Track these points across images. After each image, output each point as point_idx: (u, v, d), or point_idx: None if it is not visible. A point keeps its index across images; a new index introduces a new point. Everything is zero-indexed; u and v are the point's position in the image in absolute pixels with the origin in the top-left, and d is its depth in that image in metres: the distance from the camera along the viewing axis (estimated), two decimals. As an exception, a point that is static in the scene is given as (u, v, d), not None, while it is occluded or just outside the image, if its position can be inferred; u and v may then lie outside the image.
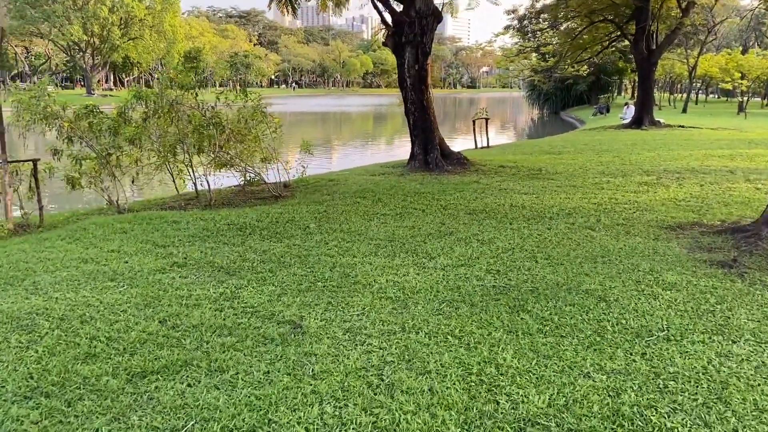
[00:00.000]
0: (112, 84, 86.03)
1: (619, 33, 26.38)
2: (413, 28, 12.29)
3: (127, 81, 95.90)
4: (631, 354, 3.82)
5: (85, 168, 8.28)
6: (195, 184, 9.37)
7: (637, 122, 24.74)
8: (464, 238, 6.73)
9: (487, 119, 18.34)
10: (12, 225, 7.13)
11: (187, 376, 3.47)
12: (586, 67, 29.11)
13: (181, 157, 9.36)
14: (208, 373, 3.51)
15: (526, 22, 46.97)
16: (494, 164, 13.07)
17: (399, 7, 12.85)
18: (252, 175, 9.78)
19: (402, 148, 19.74)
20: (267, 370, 3.54)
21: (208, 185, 9.18)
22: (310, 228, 7.15)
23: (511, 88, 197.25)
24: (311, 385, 3.35)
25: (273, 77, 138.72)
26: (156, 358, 3.66)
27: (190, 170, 9.31)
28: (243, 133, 9.04)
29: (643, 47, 23.72)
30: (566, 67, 28.34)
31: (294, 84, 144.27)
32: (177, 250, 6.08)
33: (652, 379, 3.49)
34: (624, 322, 4.32)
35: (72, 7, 58.05)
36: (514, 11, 52.12)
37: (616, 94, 55.86)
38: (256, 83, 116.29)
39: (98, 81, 71.40)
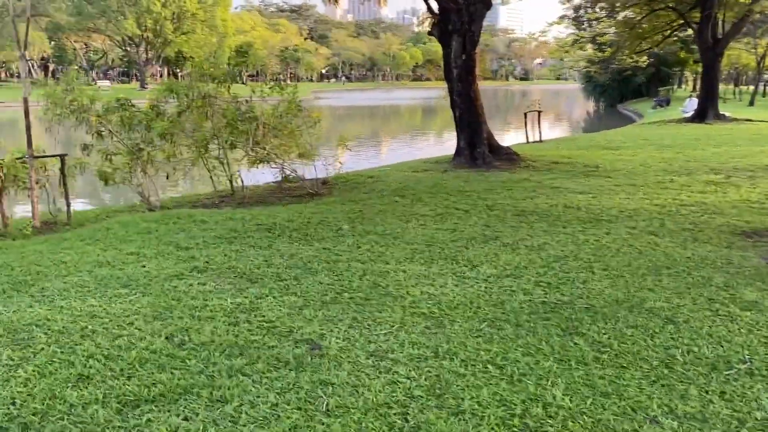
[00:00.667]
0: (166, 78, 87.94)
1: (681, 21, 24.90)
2: (461, 16, 11.64)
3: (182, 75, 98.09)
4: (707, 392, 3.18)
5: (117, 164, 8.03)
6: (231, 180, 9.03)
7: (700, 116, 23.30)
8: (511, 244, 6.12)
9: (539, 112, 17.48)
10: (38, 223, 6.92)
11: (185, 407, 3.03)
12: (645, 57, 27.60)
13: (216, 152, 9.03)
14: (209, 403, 3.06)
15: (581, 11, 45.30)
16: (546, 160, 12.31)
17: (446, -6, 12.22)
18: (288, 172, 9.38)
19: (448, 143, 19.07)
20: (275, 402, 3.06)
21: (242, 182, 8.82)
22: (343, 230, 6.67)
23: (566, 80, 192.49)
24: (323, 424, 2.86)
25: (323, 71, 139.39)
26: (154, 383, 3.24)
27: (225, 166, 8.98)
28: (278, 128, 8.64)
29: (708, 36, 22.27)
30: (624, 57, 26.96)
31: (344, 78, 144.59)
32: (200, 253, 5.70)
33: (735, 427, 2.86)
34: (696, 350, 3.66)
35: (126, 2, 59.40)
36: (569, 0, 50.54)
37: (676, 86, 53.35)
38: (306, 77, 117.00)
39: (152, 75, 73.09)
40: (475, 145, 12.11)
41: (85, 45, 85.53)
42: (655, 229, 6.70)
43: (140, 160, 8.07)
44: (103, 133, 7.86)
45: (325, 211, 7.66)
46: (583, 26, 33.92)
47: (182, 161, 9.02)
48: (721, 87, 48.40)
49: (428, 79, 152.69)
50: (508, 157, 12.14)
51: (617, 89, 48.48)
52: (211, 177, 9.51)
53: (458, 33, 11.79)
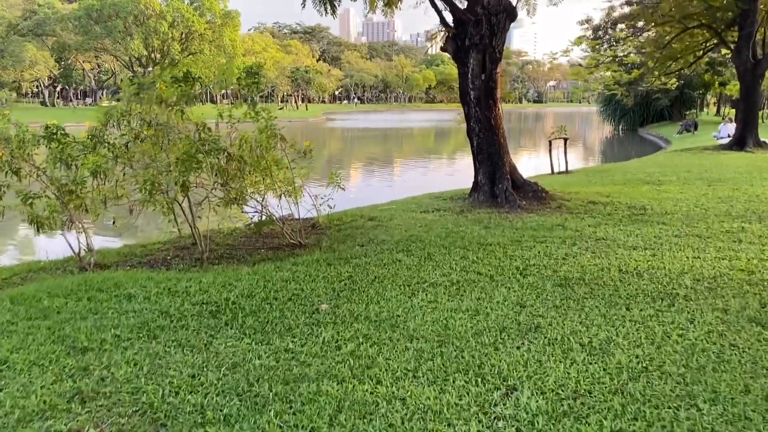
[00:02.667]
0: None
1: (715, 41, 23.06)
2: (479, 28, 9.86)
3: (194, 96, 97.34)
4: None
5: (42, 208, 6.25)
6: (193, 227, 7.19)
7: (738, 143, 21.29)
8: (558, 340, 4.22)
9: (566, 139, 15.59)
10: None
11: None
12: (674, 79, 25.71)
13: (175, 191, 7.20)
14: None
15: (600, 32, 43.62)
16: (581, 198, 10.39)
17: (463, 4, 10.47)
18: (268, 214, 7.54)
19: (463, 173, 17.18)
20: None
21: (196, 237, 6.97)
22: (321, 311, 4.80)
23: (580, 102, 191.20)
24: None
25: (336, 93, 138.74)
26: None
27: (187, 210, 7.15)
28: (252, 162, 6.84)
29: (749, 56, 20.36)
30: (653, 79, 25.10)
31: (357, 99, 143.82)
32: (100, 359, 3.84)
33: None
34: None
35: (134, 21, 58.50)
36: (587, 21, 48.86)
37: (698, 110, 51.26)
38: (318, 98, 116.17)
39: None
40: (496, 180, 10.24)
41: (98, 66, 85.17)
42: (757, 314, 4.77)
43: (71, 204, 6.27)
44: (21, 171, 6.08)
45: (302, 276, 5.78)
46: (603, 48, 32.20)
47: (134, 202, 7.20)
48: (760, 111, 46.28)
49: (441, 101, 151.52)
50: (535, 194, 10.24)
51: (638, 112, 46.52)
52: (175, 219, 7.68)
53: (477, 48, 9.99)
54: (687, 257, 6.52)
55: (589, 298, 5.17)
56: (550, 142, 15.44)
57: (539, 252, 6.75)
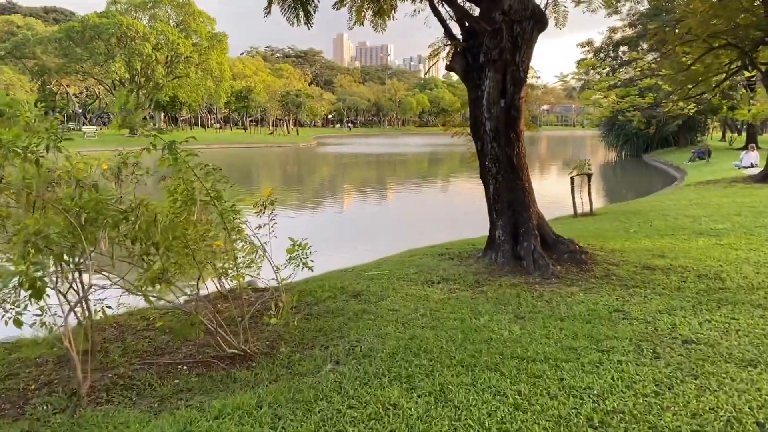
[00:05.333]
0: (162, 123, 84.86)
1: (741, 62, 20.98)
2: (498, 40, 7.54)
3: (182, 120, 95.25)
4: None
5: None
6: (85, 326, 4.72)
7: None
8: None
9: (589, 175, 13.25)
10: None
11: None
12: (693, 104, 23.61)
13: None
14: None
15: (602, 54, 41.80)
16: (630, 260, 7.99)
17: (475, 11, 8.19)
18: (194, 304, 5.08)
19: (471, 216, 14.81)
20: None
21: (72, 357, 4.48)
22: None
23: (573, 126, 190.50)
24: None
25: (329, 116, 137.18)
26: None
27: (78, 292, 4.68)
28: (161, 240, 4.40)
29: (783, 78, 18.24)
30: (670, 104, 22.96)
31: (350, 123, 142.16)
32: None
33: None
34: None
35: (116, 44, 56.26)
36: (588, 43, 47.15)
37: (701, 135, 49.27)
38: (310, 122, 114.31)
39: (145, 120, 69.03)
40: (521, 237, 7.85)
41: (86, 89, 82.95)
42: None
43: None
44: None
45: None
46: (614, 70, 30.23)
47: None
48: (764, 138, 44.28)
49: (435, 125, 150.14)
50: (572, 256, 7.83)
51: (642, 138, 44.45)
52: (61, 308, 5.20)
53: (494, 66, 7.67)
54: None
55: None
56: (572, 179, 13.08)
57: (612, 377, 4.31)
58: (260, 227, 6.47)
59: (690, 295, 6.44)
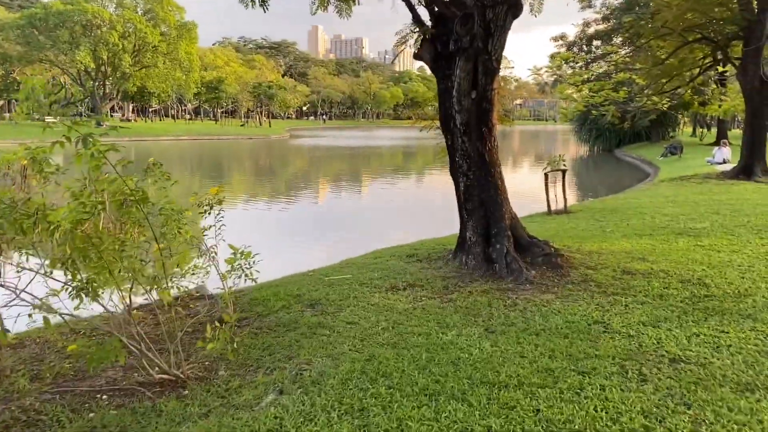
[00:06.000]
0: (131, 114, 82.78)
1: (715, 57, 20.79)
2: (470, 27, 6.96)
3: (152, 111, 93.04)
4: None
5: None
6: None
7: (744, 171, 18.89)
8: None
9: (564, 171, 12.78)
10: None
11: None
12: (666, 100, 23.40)
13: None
14: None
15: (576, 48, 41.66)
16: (608, 263, 7.51)
17: (444, -6, 7.59)
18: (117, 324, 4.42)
19: (444, 213, 14.28)
20: None
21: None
22: None
23: (546, 120, 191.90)
24: None
25: (304, 109, 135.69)
26: None
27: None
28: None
29: (757, 75, 18.03)
30: (644, 99, 22.68)
31: (324, 116, 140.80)
32: None
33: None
34: None
35: (81, 32, 54.30)
36: (562, 37, 46.92)
37: (672, 131, 49.49)
38: (283, 115, 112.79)
39: (112, 110, 67.35)
40: (493, 238, 7.31)
41: (52, 78, 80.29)
42: None
43: None
44: None
45: None
46: (586, 64, 29.96)
47: None
48: (734, 133, 44.56)
49: (410, 118, 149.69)
50: (547, 259, 7.31)
51: (614, 133, 44.47)
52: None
53: (465, 55, 7.09)
54: None
55: None
56: (546, 175, 12.60)
57: (595, 407, 3.78)
58: (206, 229, 5.87)
59: (674, 303, 5.96)
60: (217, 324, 4.22)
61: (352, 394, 3.93)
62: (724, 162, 24.11)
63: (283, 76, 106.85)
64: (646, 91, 22.31)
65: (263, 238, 13.71)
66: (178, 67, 60.94)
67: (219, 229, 5.85)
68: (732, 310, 5.74)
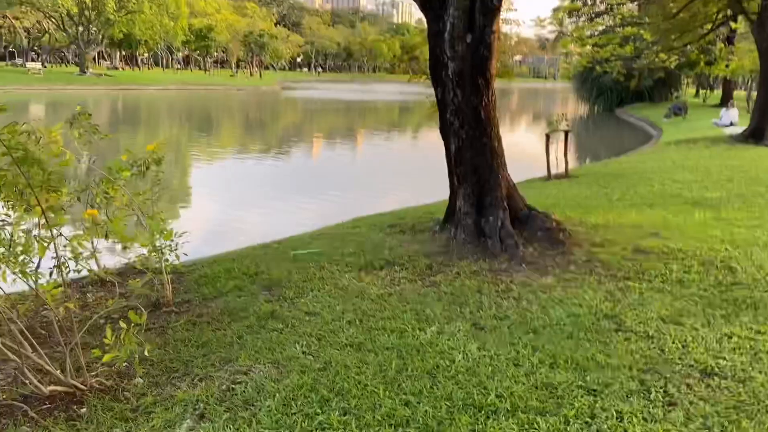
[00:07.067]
0: (118, 62, 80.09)
1: (728, 12, 19.48)
2: (467, -44, 5.82)
3: (141, 60, 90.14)
4: None
5: None
6: None
7: (754, 134, 17.86)
8: None
9: (567, 132, 11.71)
10: None
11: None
12: (675, 57, 22.10)
13: None
14: None
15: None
16: (616, 239, 6.57)
17: None
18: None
19: (429, 176, 13.25)
20: None
21: None
22: None
23: (545, 78, 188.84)
24: None
25: (298, 60, 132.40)
26: None
27: None
28: None
29: (774, 30, 16.81)
30: (652, 56, 21.41)
31: (318, 68, 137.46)
32: None
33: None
34: None
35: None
36: (566, -10, 44.84)
37: (675, 91, 48.03)
38: (276, 65, 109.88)
39: (101, 57, 64.92)
40: (486, 209, 6.34)
41: (38, 23, 77.31)
42: None
43: None
44: None
45: None
46: (583, 18, 28.40)
47: None
48: (738, 94, 43.18)
49: (407, 72, 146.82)
50: (547, 234, 6.36)
51: (616, 92, 43.06)
52: None
53: (460, -9, 5.96)
54: None
55: None
56: (547, 136, 11.53)
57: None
58: (143, 193, 4.89)
59: (697, 292, 5.05)
60: (122, 325, 3.25)
61: (293, 422, 3.00)
62: (731, 124, 23.02)
63: (276, 25, 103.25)
64: (654, 48, 21.03)
65: (234, 200, 12.71)
66: (165, 13, 58.52)
67: (155, 194, 4.88)
68: (766, 302, 4.83)
